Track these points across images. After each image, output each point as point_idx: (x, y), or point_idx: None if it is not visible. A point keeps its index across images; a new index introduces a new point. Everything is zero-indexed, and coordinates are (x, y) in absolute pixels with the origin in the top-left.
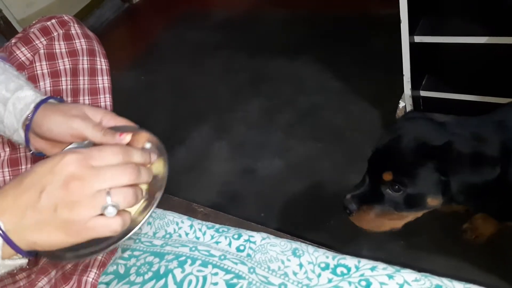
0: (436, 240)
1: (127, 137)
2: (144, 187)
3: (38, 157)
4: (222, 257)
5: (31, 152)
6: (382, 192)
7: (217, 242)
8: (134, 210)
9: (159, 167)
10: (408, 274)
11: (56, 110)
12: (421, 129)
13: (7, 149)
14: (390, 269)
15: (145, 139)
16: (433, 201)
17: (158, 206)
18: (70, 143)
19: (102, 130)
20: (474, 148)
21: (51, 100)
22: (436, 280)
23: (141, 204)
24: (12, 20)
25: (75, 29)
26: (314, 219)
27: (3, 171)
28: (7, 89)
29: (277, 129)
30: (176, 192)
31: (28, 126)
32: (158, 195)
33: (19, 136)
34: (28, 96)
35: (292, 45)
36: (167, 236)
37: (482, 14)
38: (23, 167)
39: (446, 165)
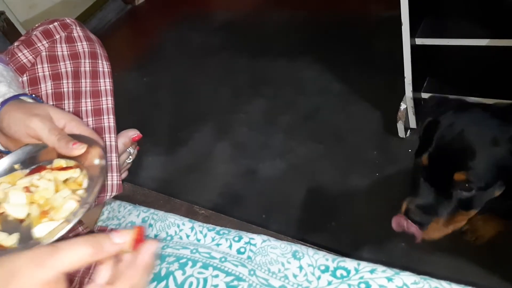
0: (437, 242)
1: (80, 148)
2: (71, 207)
3: (3, 153)
4: (223, 259)
5: None
6: (451, 194)
7: (217, 245)
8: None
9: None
10: (407, 277)
11: (19, 107)
12: (482, 123)
13: None
14: (390, 271)
15: (97, 155)
16: (498, 193)
17: (160, 208)
18: (27, 144)
19: (58, 135)
20: None
21: (23, 97)
22: (434, 283)
23: (61, 223)
24: (15, 22)
25: (77, 32)
26: (315, 221)
27: None
28: None
29: (279, 131)
30: (178, 194)
31: None
32: (81, 212)
33: None
34: (0, 92)
35: (293, 46)
36: (168, 238)
37: (483, 16)
38: None
39: None
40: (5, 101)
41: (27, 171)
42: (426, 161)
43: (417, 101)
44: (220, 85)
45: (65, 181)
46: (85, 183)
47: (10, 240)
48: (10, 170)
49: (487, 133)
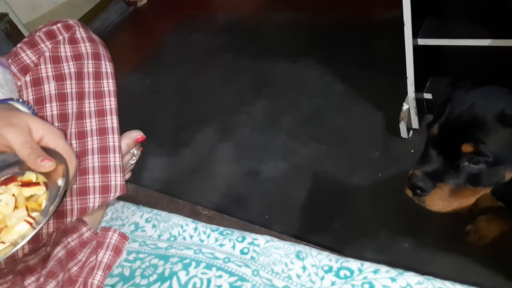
0: (440, 242)
1: (46, 165)
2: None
3: None
4: (226, 259)
5: None
6: (458, 166)
7: (221, 245)
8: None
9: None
10: (411, 277)
11: (1, 114)
12: (494, 97)
13: None
14: (393, 272)
15: (61, 175)
16: (509, 175)
17: (163, 209)
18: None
19: (29, 148)
20: None
21: (11, 102)
22: (438, 283)
23: (7, 246)
24: (18, 24)
25: (80, 33)
26: (318, 222)
27: None
28: None
29: (281, 132)
30: (181, 195)
31: None
32: (43, 221)
33: None
34: None
35: (295, 48)
36: (172, 238)
37: (485, 16)
38: None
39: None
40: None
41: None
42: (436, 131)
43: (419, 102)
44: (223, 86)
45: (28, 198)
46: (43, 204)
47: None
48: None
49: (497, 108)
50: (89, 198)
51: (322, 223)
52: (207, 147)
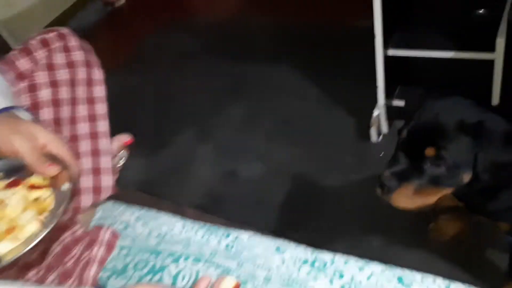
0: (406, 239)
1: (53, 170)
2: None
3: None
4: (213, 253)
5: None
6: (422, 167)
7: (207, 241)
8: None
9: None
10: (376, 266)
11: (6, 122)
12: (456, 107)
13: None
14: (361, 262)
15: (66, 180)
16: (466, 177)
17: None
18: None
19: (37, 155)
20: (505, 127)
21: (14, 111)
22: (398, 270)
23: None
24: None
25: (72, 41)
26: (294, 220)
27: None
28: None
29: (258, 134)
30: (163, 195)
31: None
32: (42, 234)
33: None
34: None
35: (273, 52)
36: (161, 235)
37: (452, 29)
38: None
39: (479, 142)
40: None
41: (7, 181)
42: (405, 135)
43: (389, 108)
44: (202, 88)
45: (35, 200)
46: (51, 206)
47: None
48: None
49: (458, 117)
50: (82, 198)
51: (298, 221)
52: (187, 149)
